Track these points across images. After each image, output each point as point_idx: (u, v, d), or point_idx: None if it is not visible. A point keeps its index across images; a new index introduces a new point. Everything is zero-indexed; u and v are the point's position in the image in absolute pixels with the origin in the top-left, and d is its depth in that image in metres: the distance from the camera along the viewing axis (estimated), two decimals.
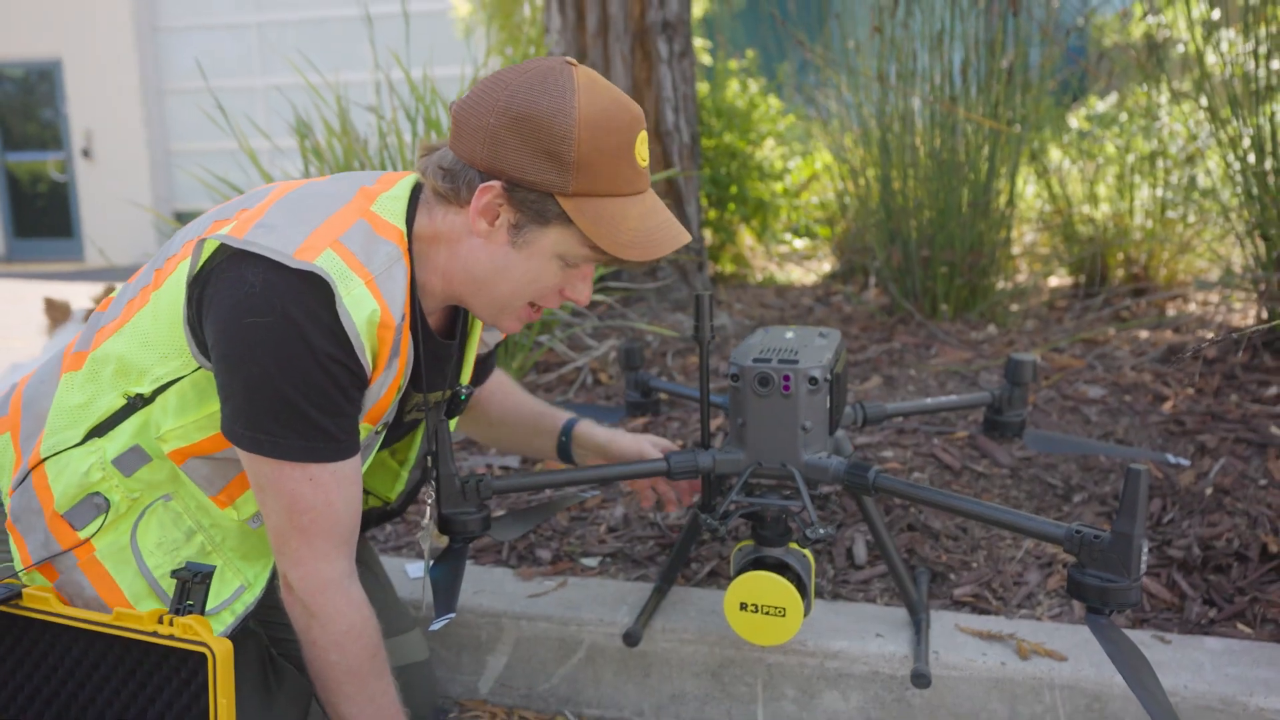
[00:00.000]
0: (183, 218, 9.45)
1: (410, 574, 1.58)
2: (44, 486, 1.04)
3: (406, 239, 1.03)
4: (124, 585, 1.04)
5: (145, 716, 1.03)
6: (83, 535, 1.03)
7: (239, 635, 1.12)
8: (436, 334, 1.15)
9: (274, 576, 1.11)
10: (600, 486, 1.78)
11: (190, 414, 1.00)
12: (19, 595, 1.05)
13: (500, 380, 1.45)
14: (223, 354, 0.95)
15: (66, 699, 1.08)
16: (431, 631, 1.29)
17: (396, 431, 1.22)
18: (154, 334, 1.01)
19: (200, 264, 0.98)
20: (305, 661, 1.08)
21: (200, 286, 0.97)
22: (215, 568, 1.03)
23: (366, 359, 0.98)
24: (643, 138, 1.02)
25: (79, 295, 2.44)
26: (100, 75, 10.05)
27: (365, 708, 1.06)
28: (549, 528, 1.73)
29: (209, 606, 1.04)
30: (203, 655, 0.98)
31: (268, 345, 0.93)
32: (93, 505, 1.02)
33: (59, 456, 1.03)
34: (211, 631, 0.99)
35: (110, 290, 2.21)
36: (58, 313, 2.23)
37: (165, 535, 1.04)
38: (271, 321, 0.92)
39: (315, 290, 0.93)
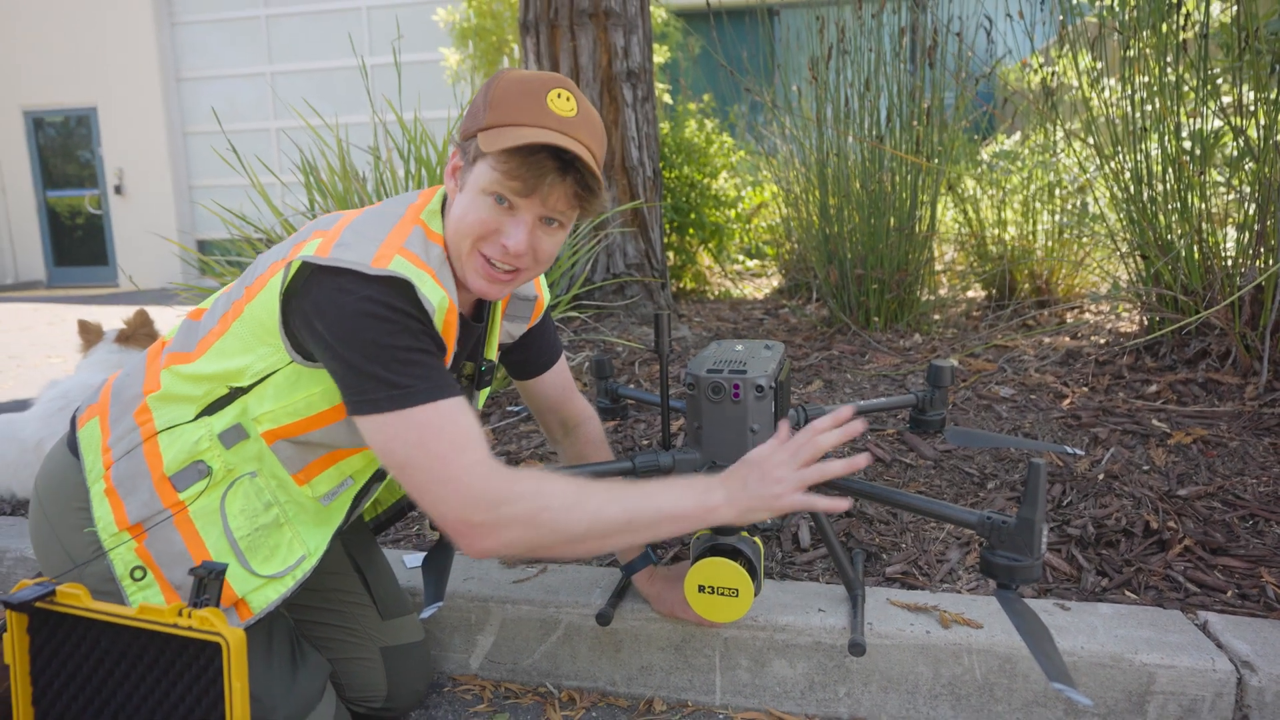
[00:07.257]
0: (204, 247, 9.33)
1: (407, 564, 1.56)
2: (155, 454, 1.06)
3: (444, 243, 1.07)
4: (209, 543, 1.05)
5: (168, 700, 1.01)
6: (182, 497, 1.05)
7: (273, 618, 1.14)
8: (468, 319, 1.18)
9: (330, 548, 1.14)
10: None
11: (283, 400, 1.04)
12: (53, 593, 1.03)
13: (593, 434, 1.44)
14: (331, 346, 0.96)
15: (97, 685, 1.05)
16: (423, 619, 1.27)
17: None
18: (252, 338, 1.04)
19: (289, 279, 1.00)
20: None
21: (294, 298, 1.00)
22: (227, 566, 1.01)
23: (440, 336, 1.01)
24: (560, 92, 1.01)
25: (113, 317, 2.38)
26: (130, 120, 10.01)
27: (608, 509, 0.98)
28: None
29: (276, 570, 1.07)
30: (218, 645, 0.96)
31: (366, 319, 0.94)
32: (196, 471, 1.05)
33: (173, 430, 1.07)
34: (226, 623, 0.97)
35: (142, 313, 2.16)
36: (90, 334, 2.16)
37: (248, 504, 1.07)
38: (365, 304, 0.95)
39: (393, 288, 0.96)
